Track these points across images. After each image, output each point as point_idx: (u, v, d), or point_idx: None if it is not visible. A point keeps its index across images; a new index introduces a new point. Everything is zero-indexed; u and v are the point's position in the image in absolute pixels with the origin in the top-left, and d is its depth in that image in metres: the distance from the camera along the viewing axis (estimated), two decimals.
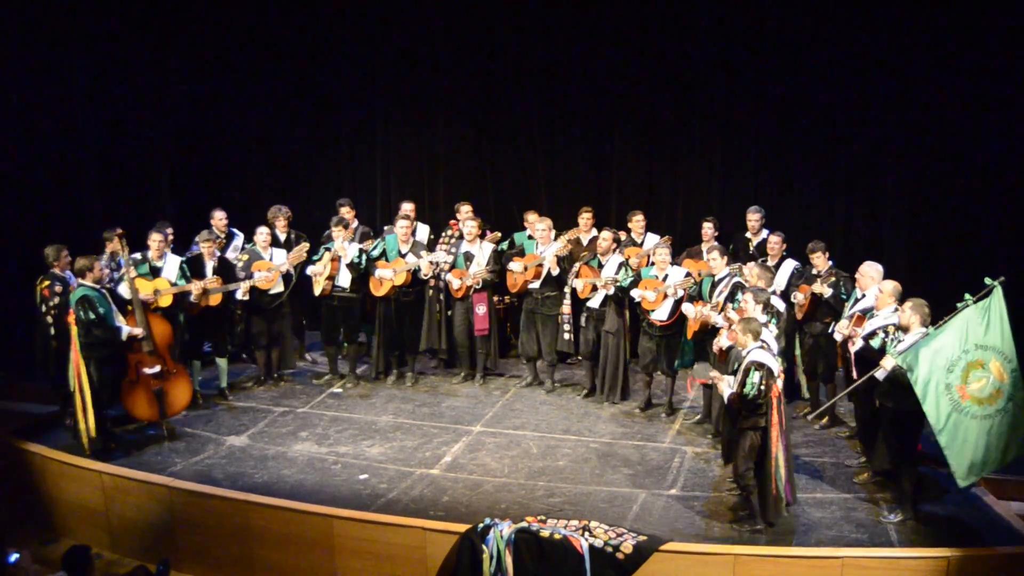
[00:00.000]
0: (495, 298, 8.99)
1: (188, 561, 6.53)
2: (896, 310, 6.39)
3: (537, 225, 8.63)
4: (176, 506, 6.57)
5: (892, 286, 6.61)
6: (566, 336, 8.55)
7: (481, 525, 5.91)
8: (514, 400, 8.54)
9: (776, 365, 6.03)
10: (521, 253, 8.69)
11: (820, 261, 7.72)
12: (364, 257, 8.58)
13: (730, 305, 7.14)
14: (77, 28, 9.51)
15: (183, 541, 6.58)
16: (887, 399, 6.19)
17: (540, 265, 8.46)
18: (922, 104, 8.84)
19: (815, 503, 6.44)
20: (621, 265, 8.14)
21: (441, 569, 6.00)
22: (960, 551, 5.66)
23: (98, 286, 7.24)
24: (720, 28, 9.38)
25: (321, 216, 9.66)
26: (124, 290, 7.62)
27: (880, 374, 6.15)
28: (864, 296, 7.01)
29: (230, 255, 8.75)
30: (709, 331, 7.33)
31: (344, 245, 8.58)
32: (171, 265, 8.07)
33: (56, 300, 7.52)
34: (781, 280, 7.94)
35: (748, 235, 8.80)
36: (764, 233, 8.63)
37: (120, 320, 7.31)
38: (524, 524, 5.91)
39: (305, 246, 8.60)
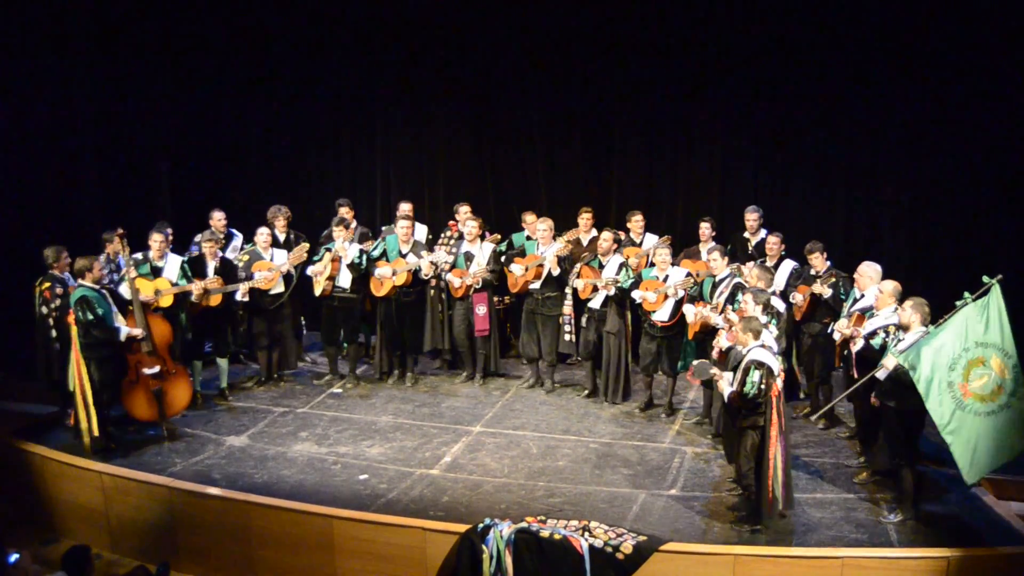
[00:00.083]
0: (495, 298, 8.99)
1: (188, 561, 6.53)
2: (896, 310, 6.39)
3: (538, 225, 8.63)
4: (176, 506, 6.58)
5: (892, 286, 6.62)
6: (568, 337, 8.56)
7: (481, 525, 5.92)
8: (514, 400, 8.54)
9: (776, 364, 6.03)
10: (522, 254, 8.69)
11: (818, 262, 7.72)
12: (365, 258, 8.59)
13: (730, 307, 7.14)
14: (77, 28, 9.51)
15: (183, 541, 6.59)
16: (889, 398, 6.19)
17: (540, 265, 8.46)
18: (922, 104, 8.84)
19: (815, 503, 6.44)
20: (622, 266, 8.14)
21: (441, 569, 6.00)
22: (960, 551, 5.66)
23: (97, 286, 7.24)
24: (720, 28, 9.37)
25: (321, 216, 9.67)
26: (125, 290, 7.62)
27: (882, 374, 6.16)
28: (863, 296, 7.01)
29: (229, 255, 8.74)
30: (710, 332, 7.33)
31: (345, 246, 8.58)
32: (172, 265, 8.08)
33: (57, 302, 7.54)
34: (780, 280, 7.95)
35: (746, 235, 8.79)
36: (762, 233, 8.63)
37: (120, 320, 7.31)
38: (524, 524, 5.91)
39: (305, 246, 8.60)
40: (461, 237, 8.99)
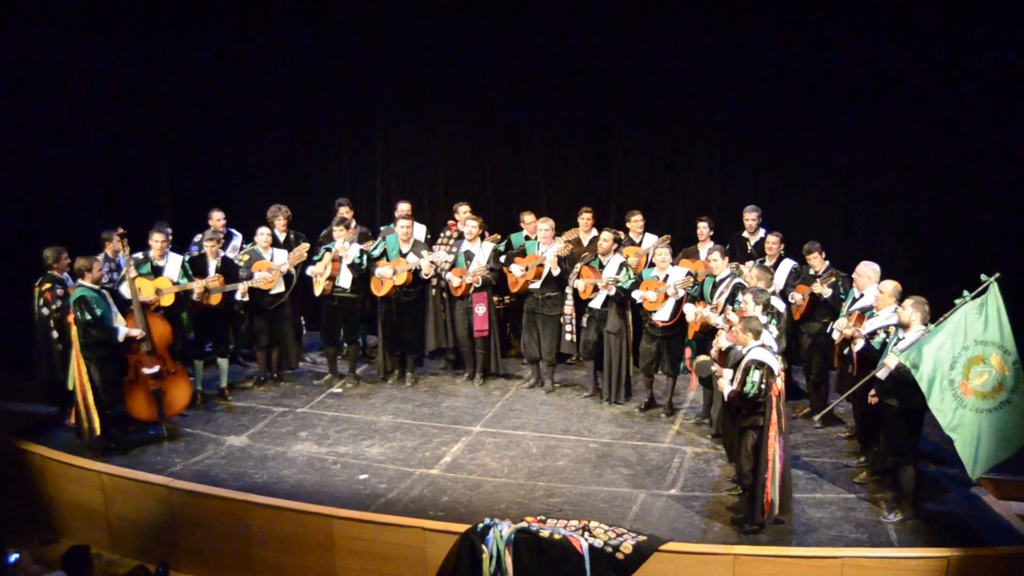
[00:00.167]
0: (495, 298, 8.99)
1: (188, 561, 6.54)
2: (896, 310, 6.39)
3: (539, 225, 8.63)
4: (176, 506, 6.58)
5: (892, 286, 6.62)
6: (569, 337, 8.55)
7: (481, 525, 5.92)
8: (514, 400, 8.54)
9: (776, 364, 6.03)
10: (522, 254, 8.69)
11: (817, 262, 7.72)
12: (365, 258, 8.59)
13: (730, 307, 7.14)
14: (77, 28, 9.51)
15: (183, 541, 6.59)
16: (891, 397, 6.19)
17: (541, 265, 8.46)
18: (921, 104, 8.84)
19: (815, 503, 6.44)
20: (622, 265, 8.14)
21: (441, 569, 6.00)
22: (960, 551, 5.67)
23: (96, 287, 7.24)
24: (720, 28, 9.37)
25: (321, 216, 9.66)
26: (126, 290, 7.62)
27: (883, 373, 6.17)
28: (862, 296, 7.01)
29: (228, 255, 8.73)
30: (710, 331, 7.33)
31: (345, 245, 8.57)
32: (173, 264, 8.08)
33: (58, 303, 7.55)
34: (779, 280, 7.95)
35: (745, 234, 8.79)
36: (761, 232, 8.63)
37: (119, 321, 7.30)
38: (524, 524, 5.92)
39: (305, 246, 8.59)
40: (461, 236, 8.99)
